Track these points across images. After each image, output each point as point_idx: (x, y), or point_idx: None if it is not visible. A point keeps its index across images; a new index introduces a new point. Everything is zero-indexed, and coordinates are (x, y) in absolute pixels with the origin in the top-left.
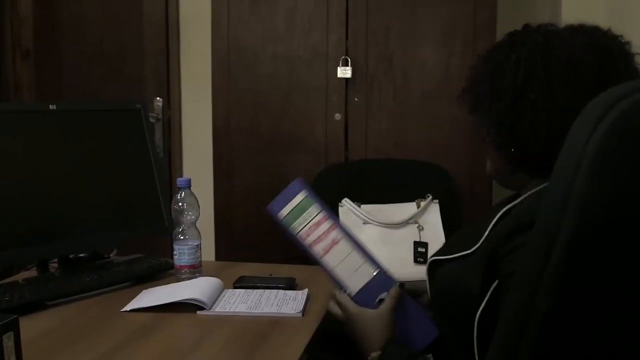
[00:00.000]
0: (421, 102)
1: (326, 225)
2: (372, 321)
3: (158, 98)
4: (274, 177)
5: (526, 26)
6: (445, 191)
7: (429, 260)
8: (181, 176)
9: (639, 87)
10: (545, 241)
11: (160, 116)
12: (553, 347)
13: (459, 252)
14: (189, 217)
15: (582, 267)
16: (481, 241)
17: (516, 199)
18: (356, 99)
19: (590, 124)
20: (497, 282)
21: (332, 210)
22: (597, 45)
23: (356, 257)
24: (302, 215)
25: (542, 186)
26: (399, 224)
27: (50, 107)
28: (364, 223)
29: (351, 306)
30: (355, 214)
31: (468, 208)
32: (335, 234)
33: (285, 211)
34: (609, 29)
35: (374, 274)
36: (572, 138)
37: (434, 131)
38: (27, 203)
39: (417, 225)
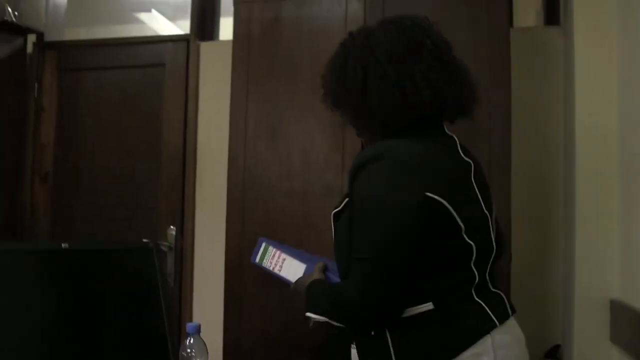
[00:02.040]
0: None
1: (277, 254)
2: (305, 277)
3: (172, 227)
4: (286, 313)
5: (350, 33)
6: None
7: (332, 214)
8: (191, 307)
9: None
10: None
11: (172, 245)
12: None
13: (343, 202)
14: None
15: None
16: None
17: None
18: None
19: None
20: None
21: (283, 245)
22: (403, 29)
23: (294, 261)
24: (266, 255)
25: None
26: None
27: (63, 245)
28: None
29: (294, 284)
30: None
31: None
32: (282, 255)
33: (258, 258)
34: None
35: (305, 266)
36: None
37: None
38: (31, 344)
39: None
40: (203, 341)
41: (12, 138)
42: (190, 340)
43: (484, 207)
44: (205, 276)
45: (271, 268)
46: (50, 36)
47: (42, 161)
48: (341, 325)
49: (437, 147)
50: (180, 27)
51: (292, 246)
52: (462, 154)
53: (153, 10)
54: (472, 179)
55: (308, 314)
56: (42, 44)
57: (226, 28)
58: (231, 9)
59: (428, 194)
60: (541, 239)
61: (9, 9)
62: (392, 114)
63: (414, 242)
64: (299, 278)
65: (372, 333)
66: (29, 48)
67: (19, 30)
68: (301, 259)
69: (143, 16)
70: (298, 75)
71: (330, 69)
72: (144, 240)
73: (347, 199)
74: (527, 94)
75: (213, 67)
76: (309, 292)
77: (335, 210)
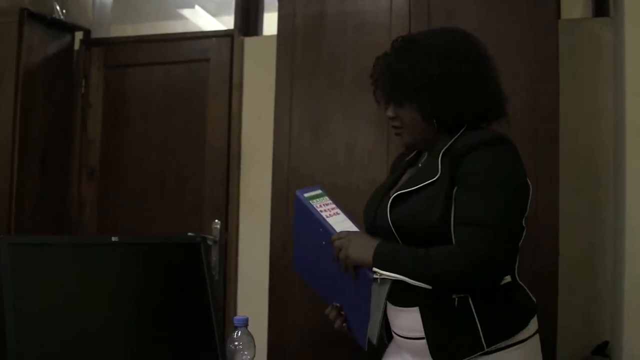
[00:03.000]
0: None
1: (331, 205)
2: (362, 234)
3: (216, 220)
4: None
5: (413, 37)
6: None
7: (393, 195)
8: (235, 300)
9: None
10: None
11: (217, 238)
12: None
13: (423, 183)
14: (244, 357)
15: None
16: (440, 170)
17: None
18: None
19: None
20: (455, 188)
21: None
22: (466, 37)
23: (347, 221)
24: (318, 198)
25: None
26: None
27: (113, 239)
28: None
29: (347, 232)
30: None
31: None
32: (336, 209)
33: (307, 195)
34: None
35: (357, 229)
36: None
37: None
38: (83, 336)
39: None
40: (251, 334)
41: (60, 134)
42: (238, 333)
43: None
44: (249, 270)
45: (319, 210)
46: (97, 33)
47: (89, 157)
48: (428, 286)
49: None
50: (224, 22)
51: None
52: None
53: (196, 6)
54: None
55: (377, 269)
56: (89, 41)
57: (270, 23)
58: (275, 3)
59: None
60: (589, 236)
61: (57, 7)
62: (469, 107)
63: (523, 218)
64: (357, 232)
65: (456, 304)
66: (76, 45)
67: (67, 28)
68: (352, 221)
69: (186, 12)
70: (342, 70)
71: (398, 60)
72: (190, 234)
73: (434, 178)
74: (575, 88)
75: (257, 62)
76: (386, 249)
77: (402, 192)
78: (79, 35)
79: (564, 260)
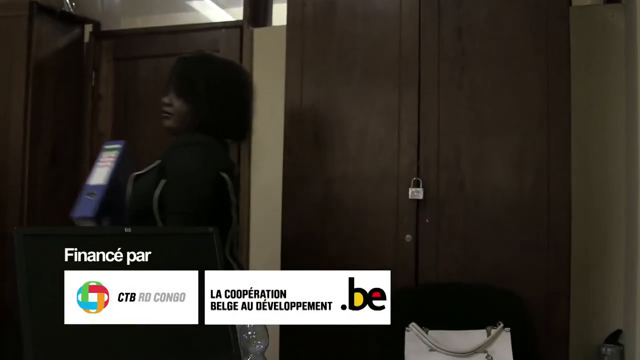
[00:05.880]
0: (493, 227)
1: (112, 158)
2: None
3: None
4: None
5: (211, 57)
6: (518, 319)
7: (132, 176)
8: None
9: None
10: None
11: None
12: None
13: (150, 167)
14: (257, 346)
15: None
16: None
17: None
18: (427, 221)
19: None
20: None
21: (126, 162)
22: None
23: (106, 174)
24: (111, 151)
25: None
26: (466, 352)
27: (126, 230)
28: (430, 350)
29: None
30: (422, 340)
31: (544, 338)
32: (111, 161)
33: (107, 147)
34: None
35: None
36: None
37: (506, 256)
38: (96, 328)
39: (485, 355)
40: (264, 325)
41: (71, 127)
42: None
43: None
44: (261, 256)
45: (100, 160)
46: (107, 25)
47: (100, 150)
48: None
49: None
50: (232, 14)
51: (348, 233)
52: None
53: None
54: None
55: None
56: (99, 34)
57: (279, 14)
58: None
59: (220, 172)
60: (602, 225)
61: (67, 0)
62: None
63: (209, 209)
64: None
65: None
66: (86, 38)
67: (76, 21)
68: (110, 178)
69: (195, 4)
70: (353, 59)
71: (196, 72)
72: None
73: (155, 164)
74: (586, 77)
75: (267, 52)
76: None
77: (138, 173)
78: (88, 28)
79: (577, 250)
